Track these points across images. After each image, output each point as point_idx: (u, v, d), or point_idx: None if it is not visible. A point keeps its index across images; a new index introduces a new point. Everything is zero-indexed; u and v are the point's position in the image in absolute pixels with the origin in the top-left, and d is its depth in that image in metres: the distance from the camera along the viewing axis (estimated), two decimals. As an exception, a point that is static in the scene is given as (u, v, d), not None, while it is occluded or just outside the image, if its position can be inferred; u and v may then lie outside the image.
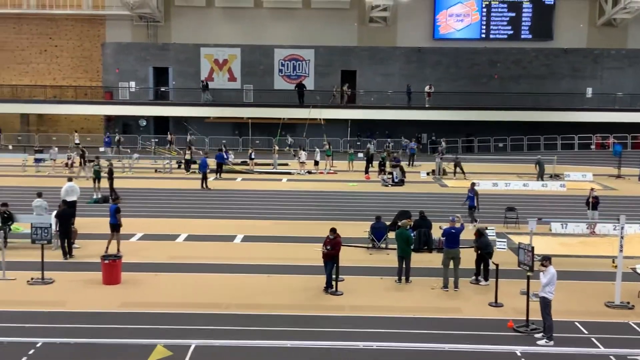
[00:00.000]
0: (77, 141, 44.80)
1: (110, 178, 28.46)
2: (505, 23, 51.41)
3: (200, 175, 31.68)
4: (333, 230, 15.93)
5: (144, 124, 49.76)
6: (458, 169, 36.16)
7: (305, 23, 51.51)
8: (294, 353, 12.20)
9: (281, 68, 51.24)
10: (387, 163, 36.05)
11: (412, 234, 18.37)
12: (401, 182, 33.50)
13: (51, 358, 11.72)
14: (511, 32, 51.44)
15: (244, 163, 39.31)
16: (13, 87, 51.26)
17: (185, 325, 13.40)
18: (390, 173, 34.26)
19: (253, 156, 38.44)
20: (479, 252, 16.67)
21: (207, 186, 31.16)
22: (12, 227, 19.78)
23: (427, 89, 48.08)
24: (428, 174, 36.68)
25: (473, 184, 24.52)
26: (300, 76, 50.90)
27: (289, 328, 13.37)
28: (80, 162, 34.78)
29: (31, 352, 11.90)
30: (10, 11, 51.88)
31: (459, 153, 45.61)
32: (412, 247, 17.34)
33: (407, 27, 51.45)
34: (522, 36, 51.42)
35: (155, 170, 37.72)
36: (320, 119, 45.27)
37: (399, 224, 18.70)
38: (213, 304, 14.74)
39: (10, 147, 45.91)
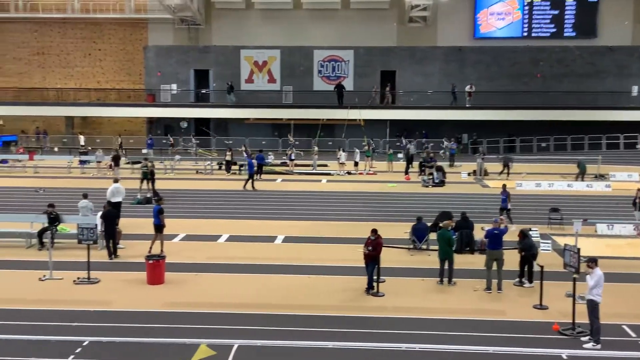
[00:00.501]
0: (82, 143, 45.23)
1: (152, 179, 28.91)
2: (547, 21, 50.59)
3: (241, 175, 31.92)
4: (374, 231, 15.87)
5: (185, 125, 50.35)
6: (505, 169, 35.64)
7: (345, 24, 51.52)
8: (335, 354, 12.18)
9: (320, 69, 51.32)
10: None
11: (454, 235, 18.18)
12: (442, 183, 33.22)
13: (97, 356, 11.90)
14: (554, 30, 50.60)
15: (283, 164, 39.48)
16: (58, 91, 52.43)
17: (228, 325, 13.49)
18: (431, 174, 34.00)
19: (293, 157, 38.56)
20: (523, 253, 16.41)
21: (253, 187, 31.35)
22: (58, 227, 20.19)
23: (467, 88, 47.58)
24: (469, 174, 36.31)
25: (504, 186, 24.21)
26: (339, 77, 50.91)
27: (330, 329, 13.36)
28: (111, 165, 35.37)
29: (78, 350, 12.13)
30: (56, 16, 53.13)
31: (501, 153, 45.04)
32: (453, 248, 17.17)
33: (447, 27, 51.05)
34: (565, 34, 50.55)
35: (197, 172, 38.15)
36: (359, 120, 45.25)
37: (441, 225, 18.53)
38: (255, 304, 14.82)
39: (56, 149, 46.93)
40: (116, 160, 35.32)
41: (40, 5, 53.17)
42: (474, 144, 47.60)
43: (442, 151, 43.69)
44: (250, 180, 31.51)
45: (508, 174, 35.15)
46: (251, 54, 51.46)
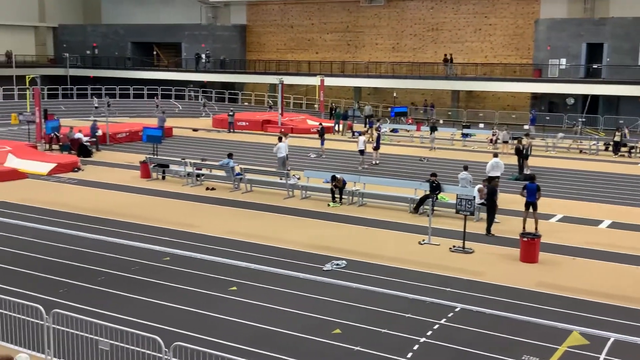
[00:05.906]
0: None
1: (526, 156, 28.27)
2: None
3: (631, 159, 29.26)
4: None
5: (572, 102, 47.97)
6: None
7: None
8: None
9: None
10: None
11: None
12: None
13: (466, 324, 12.17)
14: None
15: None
16: (447, 65, 54.49)
17: (605, 316, 12.56)
18: None
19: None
20: None
21: None
22: (438, 196, 21.18)
23: None
24: None
25: None
26: None
27: None
28: (491, 140, 35.43)
29: (450, 315, 12.60)
30: (452, -8, 55.19)
31: None
32: None
33: None
34: None
35: (580, 151, 36.27)
36: None
37: None
38: (638, 299, 13.52)
39: (441, 121, 49.13)
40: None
41: (438, -18, 55.84)
42: None
43: None
44: None
45: None
46: (657, 24, 46.39)
